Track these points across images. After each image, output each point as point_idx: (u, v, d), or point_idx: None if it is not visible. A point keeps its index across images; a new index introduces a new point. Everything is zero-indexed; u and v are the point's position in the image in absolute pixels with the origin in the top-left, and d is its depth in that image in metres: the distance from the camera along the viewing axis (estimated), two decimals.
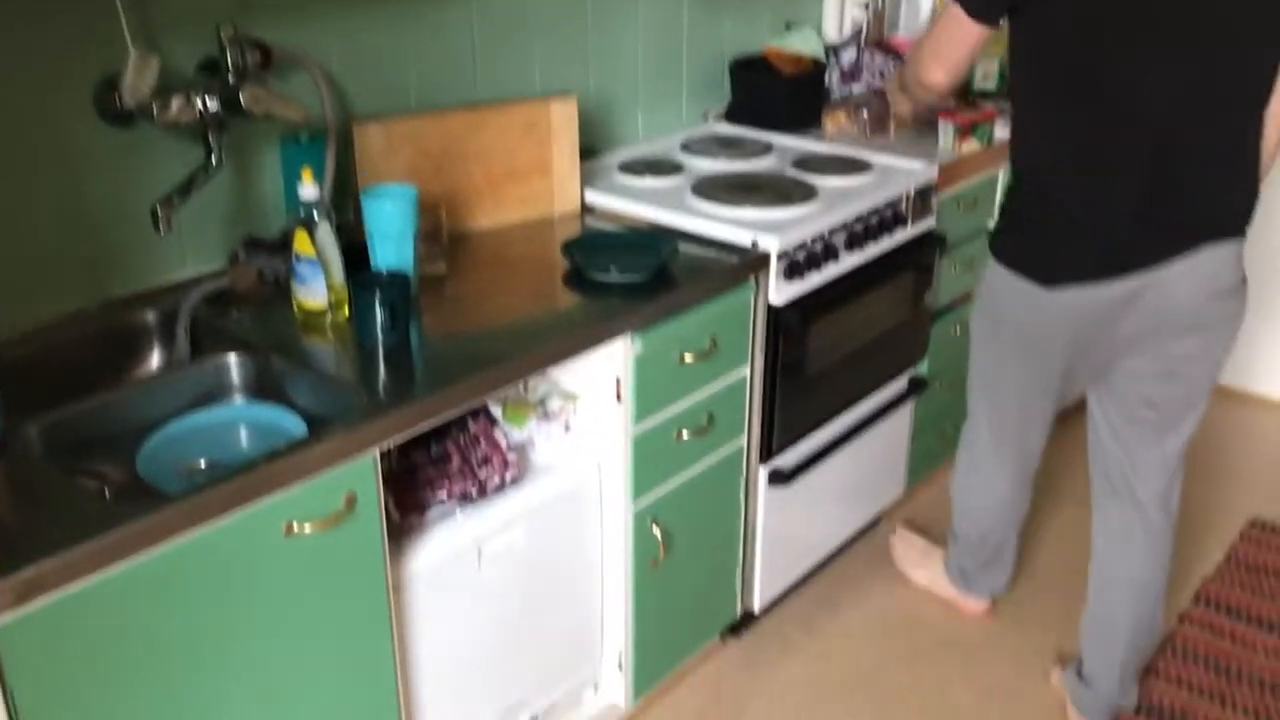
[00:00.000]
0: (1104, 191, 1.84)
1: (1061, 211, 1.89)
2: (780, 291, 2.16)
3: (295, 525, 1.48)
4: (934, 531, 2.87)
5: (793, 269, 2.16)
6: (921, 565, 2.68)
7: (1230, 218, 1.88)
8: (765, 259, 2.12)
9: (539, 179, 2.25)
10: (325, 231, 1.76)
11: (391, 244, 1.83)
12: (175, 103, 1.73)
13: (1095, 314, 1.92)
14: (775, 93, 2.80)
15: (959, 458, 2.42)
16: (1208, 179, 1.83)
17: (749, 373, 2.20)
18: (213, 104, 1.75)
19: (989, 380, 2.21)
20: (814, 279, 2.22)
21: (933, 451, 2.93)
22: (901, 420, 2.73)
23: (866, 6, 3.02)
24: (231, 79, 1.78)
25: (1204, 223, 1.85)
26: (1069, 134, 1.85)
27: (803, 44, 2.89)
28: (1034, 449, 2.28)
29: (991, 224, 2.27)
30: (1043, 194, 1.91)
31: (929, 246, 2.55)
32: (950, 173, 2.58)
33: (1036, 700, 2.34)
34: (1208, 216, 1.85)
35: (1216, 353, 1.96)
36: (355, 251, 1.86)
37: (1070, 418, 2.74)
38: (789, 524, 2.45)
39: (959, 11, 1.87)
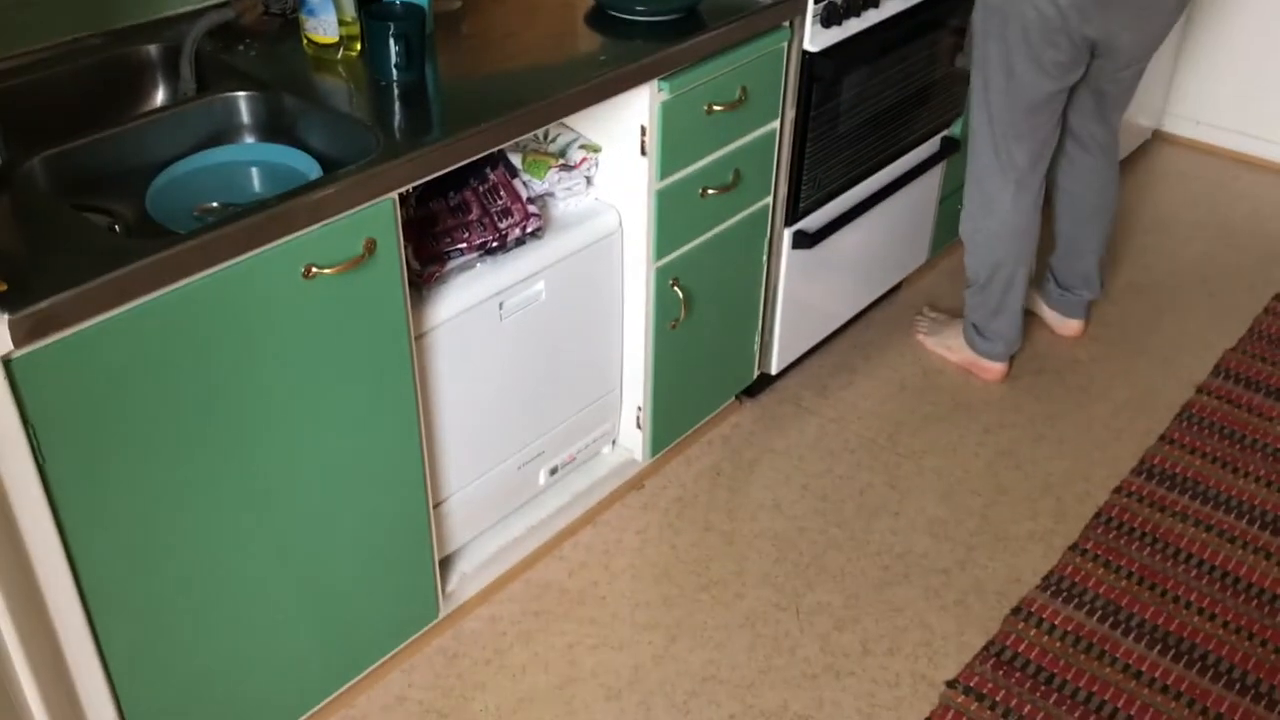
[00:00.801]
0: None
1: None
2: (816, 39, 2.04)
3: (314, 268, 1.43)
4: (953, 300, 2.83)
5: (831, 14, 2.03)
6: (938, 334, 2.67)
7: None
8: (802, 1, 1.99)
9: None
10: None
11: None
12: None
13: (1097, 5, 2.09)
14: None
15: (967, 193, 2.42)
16: None
17: (779, 127, 2.10)
18: None
19: (999, 86, 2.23)
20: (852, 26, 2.10)
21: (958, 219, 2.86)
22: (930, 184, 2.65)
23: None
24: None
25: None
26: None
27: None
28: (1039, 165, 2.35)
29: None
30: None
31: None
32: None
33: (1049, 465, 2.36)
34: None
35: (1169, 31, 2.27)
36: None
37: None
38: (810, 288, 2.41)
39: None
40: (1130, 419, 2.48)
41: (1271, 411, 2.48)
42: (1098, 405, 2.53)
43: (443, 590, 1.91)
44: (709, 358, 2.26)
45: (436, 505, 1.86)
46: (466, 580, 1.99)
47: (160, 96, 1.73)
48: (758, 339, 2.37)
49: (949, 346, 2.64)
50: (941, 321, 2.70)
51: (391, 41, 1.61)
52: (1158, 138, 3.63)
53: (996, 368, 2.57)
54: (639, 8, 1.86)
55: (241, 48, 1.73)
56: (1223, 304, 2.86)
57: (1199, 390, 2.55)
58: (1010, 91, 2.22)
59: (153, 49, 1.73)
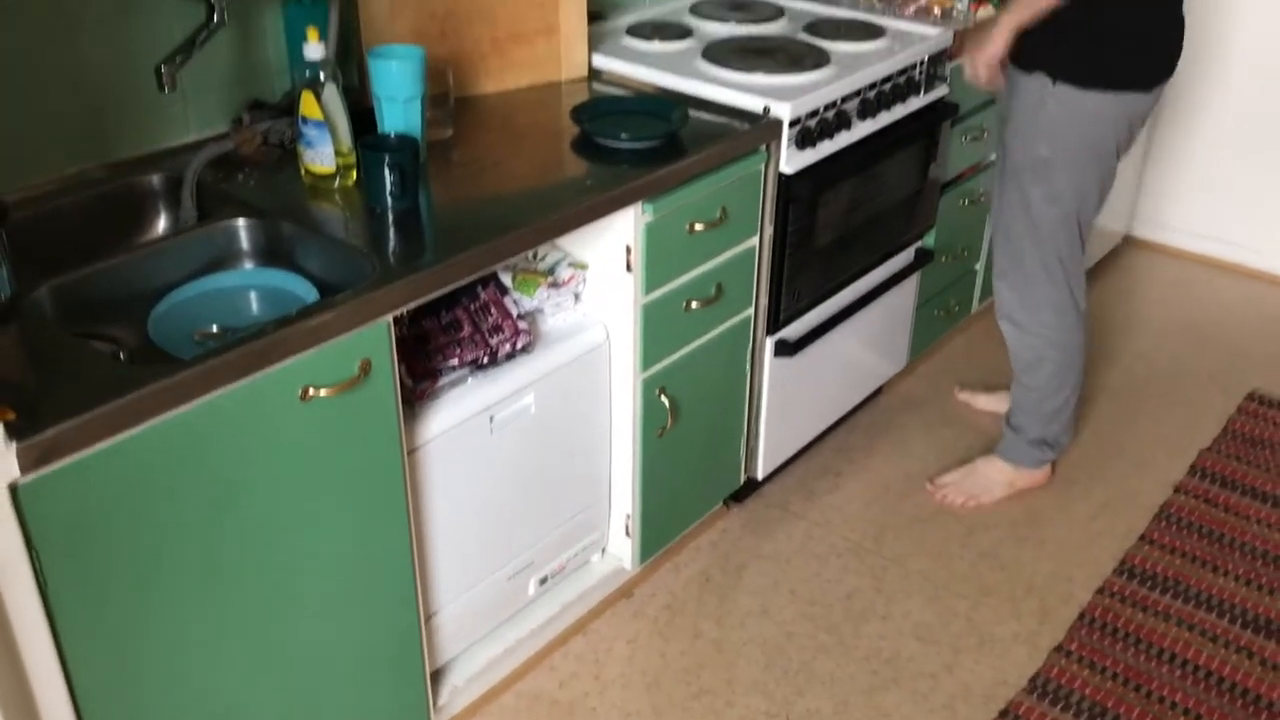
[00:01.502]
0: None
1: (1155, 24, 2.17)
2: (791, 160, 2.13)
3: (311, 390, 1.48)
4: (932, 403, 2.90)
5: (805, 137, 2.12)
6: (966, 487, 2.58)
7: None
8: (777, 126, 2.09)
9: (545, 42, 2.20)
10: (332, 94, 1.73)
11: (399, 107, 1.79)
12: None
13: (1151, 109, 2.25)
14: None
15: (1038, 321, 2.38)
16: None
17: (758, 243, 2.18)
18: None
19: (1080, 220, 2.28)
20: (826, 147, 2.19)
21: (935, 324, 2.94)
22: (907, 292, 2.72)
23: None
24: None
25: None
26: None
27: None
28: None
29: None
30: (1139, 15, 2.14)
31: (940, 115, 2.50)
32: (964, 39, 2.52)
33: (1031, 566, 2.40)
34: None
35: None
36: (361, 116, 1.82)
37: None
38: (793, 394, 2.47)
39: None
40: (1110, 519, 2.53)
41: (1249, 510, 2.53)
42: (1078, 506, 2.57)
43: (434, 704, 1.92)
44: (696, 464, 2.30)
45: (428, 618, 1.88)
46: (458, 693, 2.00)
47: (162, 225, 1.80)
48: (743, 445, 2.42)
49: (985, 490, 2.58)
50: (959, 475, 2.62)
51: (386, 171, 1.68)
52: (1128, 242, 3.74)
53: (1047, 470, 2.61)
54: (623, 135, 1.95)
55: (241, 177, 1.81)
56: (1196, 404, 2.92)
57: (1177, 490, 2.60)
58: (1102, 197, 2.29)
59: (155, 179, 1.80)
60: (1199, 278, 3.57)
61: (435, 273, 1.60)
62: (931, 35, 2.44)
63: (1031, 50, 2.18)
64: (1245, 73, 3.39)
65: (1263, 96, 3.38)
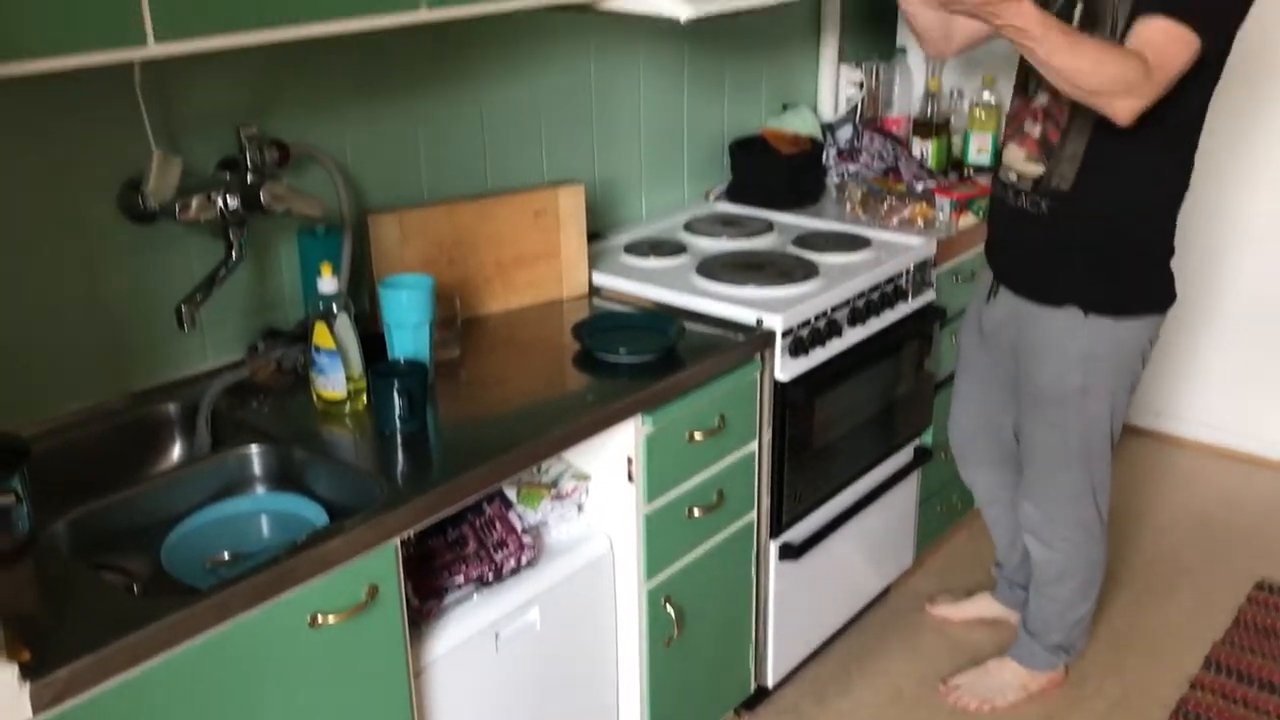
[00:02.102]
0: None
1: (1169, 240, 2.18)
2: (786, 368, 2.20)
3: (320, 617, 1.50)
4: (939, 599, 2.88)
5: (797, 346, 2.20)
6: (980, 691, 2.54)
7: None
8: (770, 337, 2.16)
9: (547, 264, 2.30)
10: (344, 323, 1.81)
11: (408, 333, 1.87)
12: (196, 202, 1.79)
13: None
14: (774, 172, 2.86)
15: (1066, 539, 2.37)
16: None
17: (757, 448, 2.23)
18: (233, 202, 1.80)
19: (1112, 437, 2.30)
20: (818, 355, 2.27)
21: (939, 520, 2.96)
22: (908, 490, 2.75)
23: (860, 85, 3.10)
24: (251, 177, 1.83)
25: None
26: (1187, 171, 2.11)
27: (799, 124, 2.97)
28: None
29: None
30: (1162, 229, 2.17)
31: (929, 319, 2.59)
32: (947, 247, 2.64)
33: None
34: None
35: None
36: (372, 339, 1.90)
37: None
38: (800, 598, 2.46)
39: (1185, 31, 1.83)
40: (1126, 718, 2.48)
41: (1267, 705, 2.49)
42: (1093, 703, 2.53)
43: None
44: (705, 673, 2.28)
45: None
46: None
47: (177, 453, 1.85)
48: (752, 652, 2.40)
49: (999, 692, 2.53)
50: (973, 677, 2.58)
51: (395, 396, 1.74)
52: (1125, 430, 3.78)
53: (1061, 671, 2.57)
54: (621, 349, 2.03)
55: (255, 404, 1.87)
56: (1205, 594, 2.90)
57: (1193, 685, 2.56)
58: (1125, 411, 2.31)
59: (171, 408, 1.86)
60: (1197, 465, 3.60)
61: (442, 494, 1.64)
62: (916, 245, 2.55)
63: (1060, 285, 2.17)
64: (1238, 261, 3.47)
65: (1256, 284, 3.46)
